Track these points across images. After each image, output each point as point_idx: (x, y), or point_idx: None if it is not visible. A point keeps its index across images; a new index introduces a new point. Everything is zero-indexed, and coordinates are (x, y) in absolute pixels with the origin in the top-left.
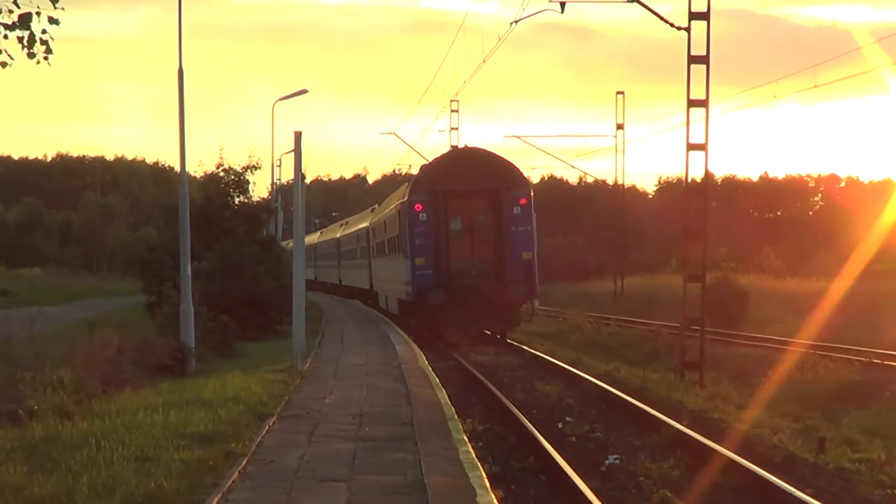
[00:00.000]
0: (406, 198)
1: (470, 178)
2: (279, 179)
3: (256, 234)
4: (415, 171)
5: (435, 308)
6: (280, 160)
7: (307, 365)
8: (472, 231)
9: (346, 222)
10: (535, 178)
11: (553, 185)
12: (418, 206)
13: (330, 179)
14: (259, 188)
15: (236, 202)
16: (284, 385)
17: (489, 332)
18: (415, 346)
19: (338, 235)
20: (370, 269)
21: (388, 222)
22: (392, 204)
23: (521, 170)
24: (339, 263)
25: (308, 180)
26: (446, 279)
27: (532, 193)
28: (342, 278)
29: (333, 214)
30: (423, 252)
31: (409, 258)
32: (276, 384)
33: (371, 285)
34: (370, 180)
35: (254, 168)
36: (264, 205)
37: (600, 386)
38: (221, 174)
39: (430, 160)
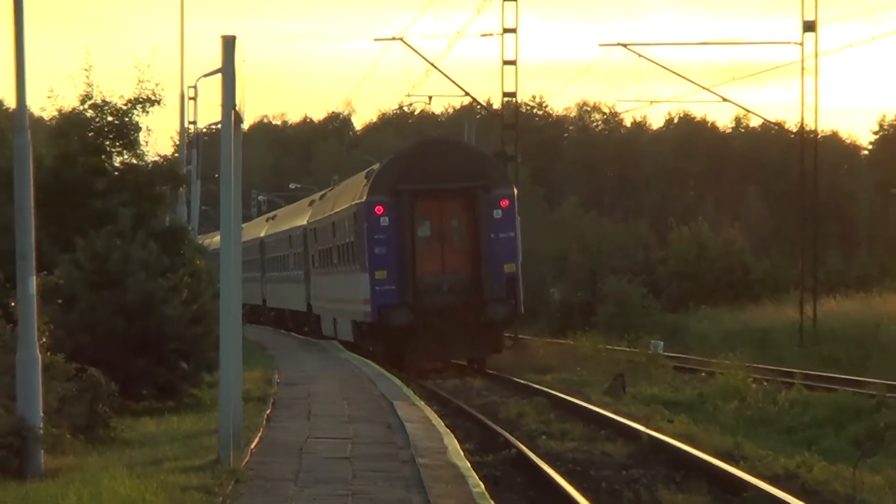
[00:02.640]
0: (364, 198)
1: (441, 175)
2: (193, 124)
3: (153, 222)
4: (436, 108)
5: (399, 332)
6: (195, 88)
7: (247, 458)
8: (443, 238)
9: (274, 216)
10: (657, 119)
11: (687, 131)
12: (379, 209)
13: (287, 124)
14: (159, 140)
15: (117, 164)
16: (206, 501)
17: (463, 362)
18: (433, 417)
19: (262, 234)
20: (308, 284)
21: (337, 225)
22: (344, 201)
23: (500, 165)
24: (262, 275)
25: (247, 125)
26: (413, 296)
27: (515, 193)
28: (267, 297)
29: (291, 187)
30: (384, 264)
31: (368, 271)
32: (191, 499)
33: (309, 307)
34: (357, 124)
35: (148, 103)
36: (167, 169)
37: (778, 499)
38: (89, 114)
39: (392, 155)
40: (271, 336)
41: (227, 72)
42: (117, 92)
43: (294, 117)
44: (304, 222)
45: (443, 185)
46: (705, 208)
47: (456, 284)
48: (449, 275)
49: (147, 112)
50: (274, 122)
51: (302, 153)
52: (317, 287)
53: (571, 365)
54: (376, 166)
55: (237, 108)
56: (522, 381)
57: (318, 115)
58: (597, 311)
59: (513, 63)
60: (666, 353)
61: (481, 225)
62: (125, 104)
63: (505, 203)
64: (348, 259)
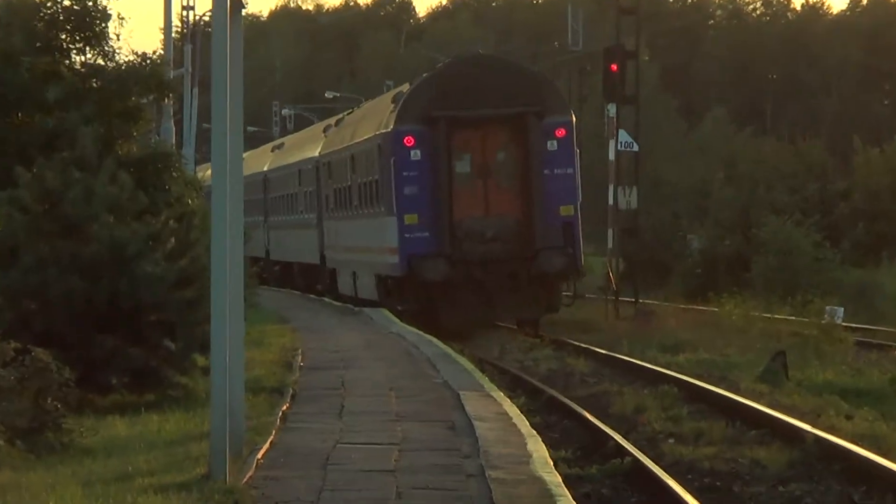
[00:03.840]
0: (390, 126)
1: (484, 99)
2: (189, 10)
3: (127, 145)
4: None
5: (434, 287)
6: None
7: (251, 472)
8: (486, 175)
9: (282, 145)
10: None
11: (881, 16)
12: (409, 140)
13: (323, 10)
14: (138, 34)
15: (77, 66)
16: None
17: (510, 324)
18: (514, 413)
19: (265, 168)
20: (321, 231)
21: (358, 159)
22: (366, 129)
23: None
24: (265, 220)
25: (267, 11)
26: (450, 245)
27: (574, 120)
28: (271, 247)
29: (327, 96)
30: (415, 206)
31: (396, 214)
32: None
33: (322, 259)
34: (419, 7)
35: None
36: (147, 72)
37: None
38: None
39: (423, 75)
40: (295, 301)
41: None
42: None
43: (333, 0)
44: (317, 154)
45: (486, 110)
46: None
47: (502, 230)
48: (493, 219)
49: None
50: (305, 7)
51: (343, 49)
52: (332, 234)
53: (714, 340)
54: (405, 87)
55: None
56: (644, 364)
57: None
58: (751, 265)
59: None
60: (846, 324)
61: (533, 159)
62: None
63: (561, 133)
64: (371, 200)
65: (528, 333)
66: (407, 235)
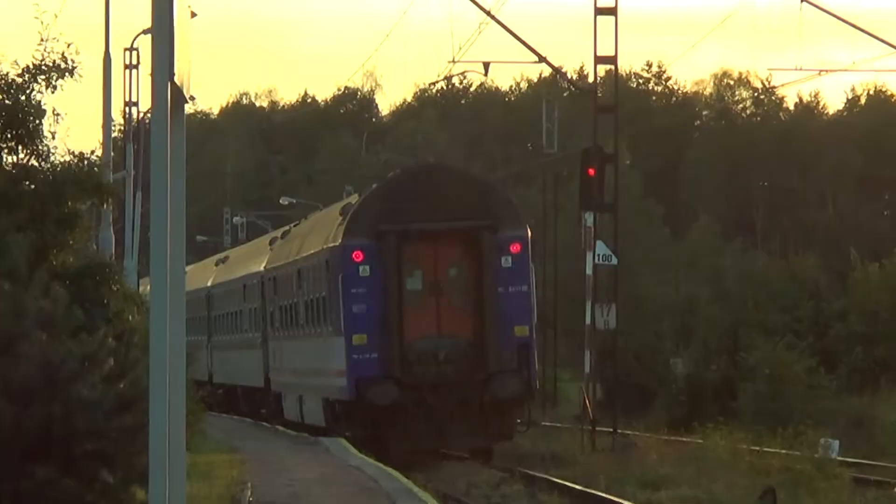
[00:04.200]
0: (338, 240)
1: (435, 212)
2: (131, 106)
3: (62, 256)
4: (500, 80)
5: (383, 412)
6: (135, 51)
7: None
8: (439, 293)
9: (226, 258)
10: (833, 97)
11: (881, 116)
12: (357, 255)
13: (279, 107)
14: (75, 132)
15: (8, 165)
16: None
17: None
18: None
19: (209, 283)
20: (266, 351)
21: (304, 274)
22: (314, 242)
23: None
24: (209, 339)
25: (218, 108)
26: (400, 368)
27: (529, 234)
28: (214, 369)
29: (283, 202)
30: (364, 326)
31: (344, 335)
32: None
33: (267, 381)
34: (382, 106)
35: (56, 73)
36: (84, 174)
37: None
38: None
39: (373, 186)
40: (246, 429)
41: (161, 21)
42: (9, 56)
43: (288, 96)
44: (262, 268)
45: (438, 223)
46: None
47: (454, 352)
48: (445, 340)
49: (53, 87)
50: (258, 104)
51: (300, 151)
52: (277, 355)
53: (698, 476)
54: (354, 198)
55: (176, 78)
56: (623, 502)
57: (323, 94)
58: (739, 392)
59: (610, 13)
60: (842, 458)
61: (486, 276)
62: (20, 74)
63: (516, 248)
64: (318, 319)
65: (482, 462)
66: (355, 357)
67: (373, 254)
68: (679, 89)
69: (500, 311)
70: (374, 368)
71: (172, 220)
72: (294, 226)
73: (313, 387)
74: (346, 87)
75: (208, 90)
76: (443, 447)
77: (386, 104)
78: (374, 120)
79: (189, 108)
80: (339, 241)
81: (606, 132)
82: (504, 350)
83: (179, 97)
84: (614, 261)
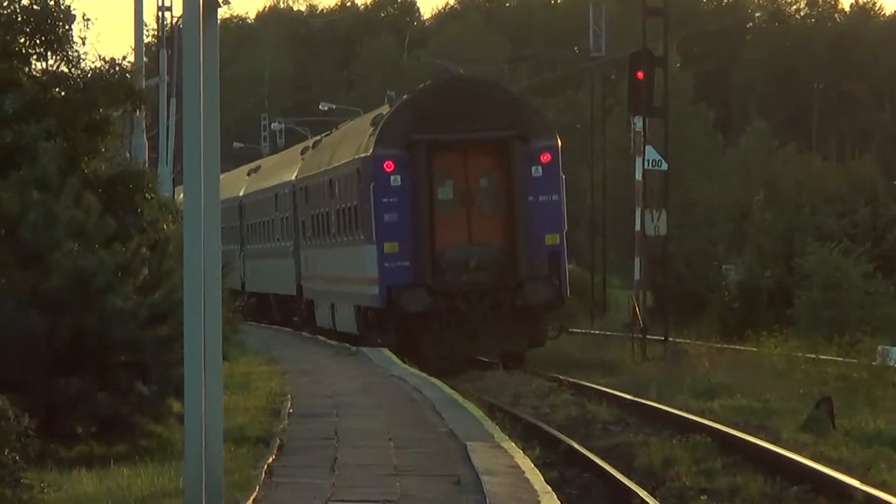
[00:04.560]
0: (369, 150)
1: (467, 123)
2: (165, 11)
3: (94, 163)
4: None
5: (414, 318)
6: None
7: None
8: (469, 202)
9: (258, 168)
10: None
11: None
12: (388, 165)
13: (317, 12)
14: (106, 38)
15: (37, 73)
16: None
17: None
18: (527, 467)
19: (240, 193)
20: (298, 260)
21: (335, 184)
22: (345, 152)
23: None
24: (241, 248)
25: (254, 13)
26: (431, 275)
27: (559, 144)
28: (246, 278)
29: (322, 108)
30: (395, 234)
31: (376, 243)
32: None
33: (299, 289)
34: (424, 9)
35: None
36: (116, 81)
37: None
38: None
39: (405, 95)
40: (285, 339)
41: None
42: None
43: (327, 1)
44: (293, 178)
45: (470, 134)
46: None
47: (485, 259)
48: (476, 247)
49: None
50: (296, 8)
51: (340, 56)
52: (309, 264)
53: (752, 384)
54: (385, 109)
55: None
56: (674, 411)
57: None
58: (794, 299)
59: None
60: None
61: (517, 185)
62: None
63: (546, 158)
64: (350, 228)
65: (510, 368)
66: (387, 265)
67: (404, 163)
68: None
69: (530, 219)
70: (406, 276)
71: (206, 126)
72: (325, 136)
73: (346, 294)
74: None
75: None
76: (474, 353)
77: (428, 7)
78: (415, 24)
79: (225, 13)
80: (371, 151)
81: (656, 35)
82: (535, 257)
83: (212, 0)
84: (664, 166)
